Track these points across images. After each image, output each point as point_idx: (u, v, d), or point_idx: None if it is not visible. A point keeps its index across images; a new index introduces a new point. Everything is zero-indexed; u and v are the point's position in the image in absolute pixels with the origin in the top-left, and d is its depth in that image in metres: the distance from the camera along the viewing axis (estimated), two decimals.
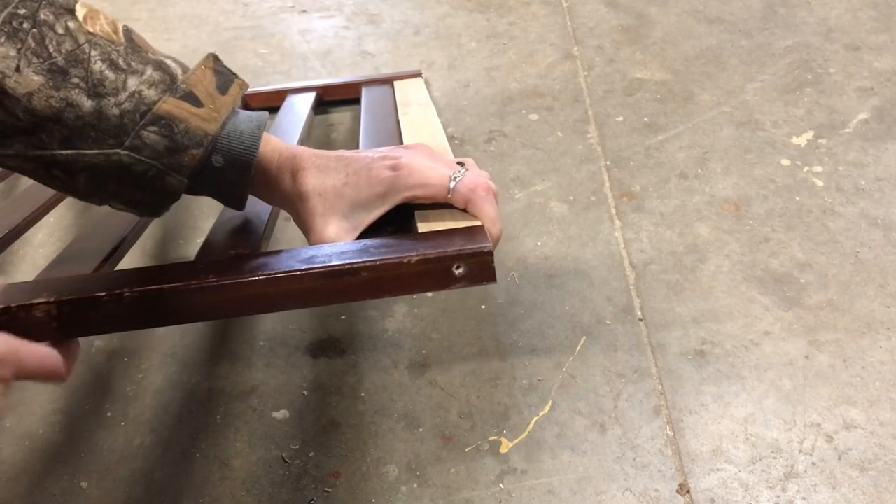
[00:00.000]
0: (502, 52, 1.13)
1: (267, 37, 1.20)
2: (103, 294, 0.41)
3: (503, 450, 0.66)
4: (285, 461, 0.66)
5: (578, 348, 0.73)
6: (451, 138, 0.97)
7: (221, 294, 0.41)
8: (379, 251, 0.42)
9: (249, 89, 1.06)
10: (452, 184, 0.45)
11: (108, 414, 0.70)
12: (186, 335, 0.77)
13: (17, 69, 0.37)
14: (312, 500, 0.63)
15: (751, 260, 0.80)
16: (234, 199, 0.48)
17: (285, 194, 0.47)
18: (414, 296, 0.79)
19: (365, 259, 0.41)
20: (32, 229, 0.90)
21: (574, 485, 0.63)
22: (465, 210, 0.46)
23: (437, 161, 0.46)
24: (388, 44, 1.17)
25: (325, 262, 0.41)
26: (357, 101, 1.00)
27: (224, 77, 0.45)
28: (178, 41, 1.20)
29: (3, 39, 0.37)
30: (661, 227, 0.85)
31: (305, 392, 0.71)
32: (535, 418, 0.68)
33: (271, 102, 1.02)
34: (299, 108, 0.94)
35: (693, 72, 1.07)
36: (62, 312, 0.41)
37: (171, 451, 0.67)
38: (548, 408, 0.68)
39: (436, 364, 0.73)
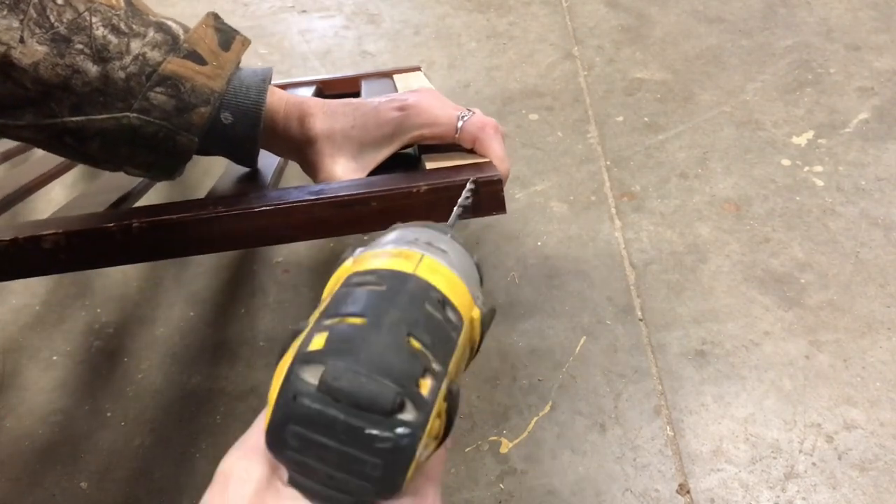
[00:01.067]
0: (502, 51, 1.13)
1: (267, 36, 1.20)
2: (112, 224, 0.41)
3: (503, 450, 0.66)
4: None
5: (578, 348, 0.73)
6: None
7: (230, 224, 0.41)
8: (388, 182, 0.42)
9: None
10: (460, 123, 0.45)
11: (108, 414, 0.70)
12: (186, 335, 0.77)
13: (21, 40, 0.37)
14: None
15: (751, 260, 0.80)
16: (245, 155, 0.48)
17: (293, 141, 0.47)
18: None
19: (374, 189, 0.41)
20: (42, 205, 0.90)
21: (574, 485, 0.63)
22: (472, 151, 0.46)
23: (445, 103, 0.47)
24: (388, 43, 1.17)
25: (335, 192, 0.41)
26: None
27: (225, 34, 0.45)
28: None
29: (5, 12, 0.37)
30: (661, 227, 0.85)
31: None
32: (536, 418, 0.68)
33: None
34: None
35: (693, 71, 1.07)
36: (71, 244, 0.41)
37: (171, 451, 0.67)
38: (548, 408, 0.68)
39: None
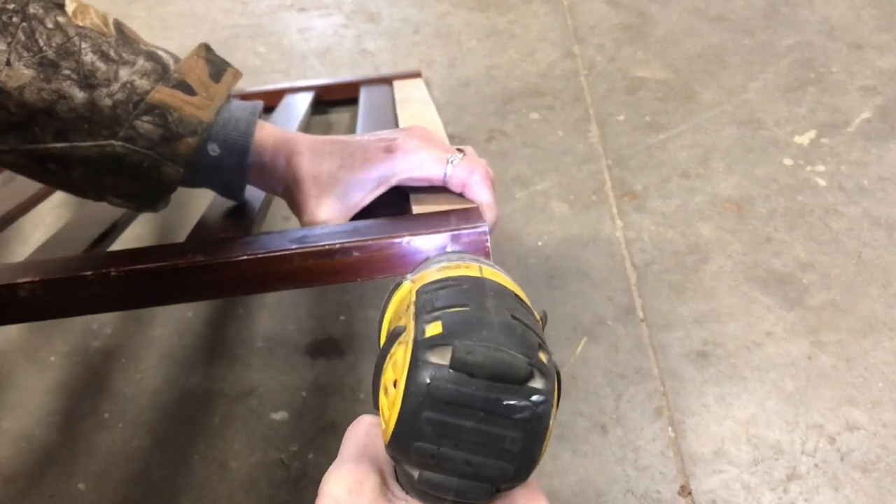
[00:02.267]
0: (503, 50, 1.13)
1: (266, 35, 1.20)
2: (89, 273, 0.40)
3: None
4: (284, 463, 0.66)
5: (579, 349, 0.73)
6: (451, 137, 0.97)
7: (209, 274, 0.40)
8: (371, 230, 0.41)
9: (247, 89, 1.05)
10: (449, 167, 0.44)
11: (106, 415, 0.70)
12: (184, 336, 0.76)
13: (8, 63, 0.37)
14: None
15: (753, 260, 0.80)
16: (231, 189, 0.47)
17: (279, 178, 0.47)
18: None
19: (357, 239, 0.40)
20: (28, 225, 0.90)
21: (575, 486, 0.62)
22: (461, 195, 0.45)
23: (435, 144, 0.46)
24: (388, 42, 1.16)
25: (315, 241, 0.40)
26: (356, 100, 0.99)
27: (216, 66, 0.45)
28: (177, 39, 1.19)
29: None
30: (662, 227, 0.84)
31: (304, 393, 0.71)
32: None
33: (269, 102, 1.02)
34: (296, 106, 0.93)
35: (695, 70, 1.06)
36: (48, 291, 0.40)
37: (169, 452, 0.67)
38: None
39: None
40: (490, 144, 0.96)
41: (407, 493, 0.27)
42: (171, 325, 0.77)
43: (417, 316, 0.27)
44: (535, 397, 0.24)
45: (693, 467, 0.63)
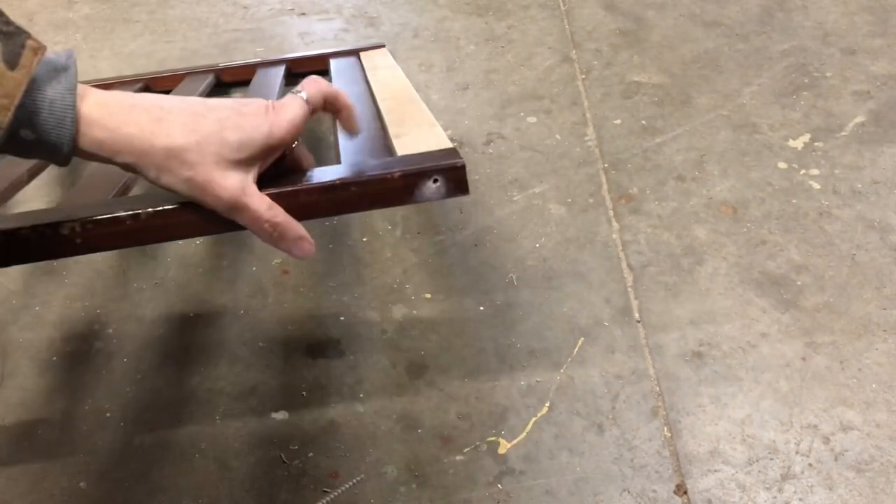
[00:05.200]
0: (500, 55, 1.14)
1: (267, 39, 1.21)
2: (122, 213, 0.44)
3: (501, 451, 0.66)
4: (284, 462, 0.66)
5: (576, 350, 0.73)
6: (449, 140, 0.98)
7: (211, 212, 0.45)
8: (366, 168, 0.47)
9: (222, 64, 1.06)
10: (302, 93, 0.46)
11: (108, 414, 0.70)
12: (186, 336, 0.77)
13: None
14: (326, 490, 0.63)
15: (748, 262, 0.81)
16: (62, 164, 0.42)
17: (140, 152, 0.40)
18: (413, 297, 0.79)
19: (353, 175, 0.46)
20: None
21: (572, 485, 0.63)
22: (328, 110, 0.49)
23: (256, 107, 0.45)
24: (387, 46, 1.17)
25: (317, 178, 0.46)
26: (326, 72, 1.01)
27: (11, 41, 0.37)
28: (178, 43, 1.20)
29: None
30: (658, 230, 0.85)
31: (304, 393, 0.72)
32: (534, 419, 0.68)
33: (243, 76, 1.04)
34: (270, 79, 0.95)
35: (690, 75, 1.07)
36: (86, 230, 0.44)
37: (170, 451, 0.67)
38: (546, 409, 0.69)
39: (434, 365, 0.73)
40: (488, 147, 0.97)
41: None
42: (173, 325, 0.78)
43: None
44: None
45: (689, 467, 0.64)
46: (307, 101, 0.46)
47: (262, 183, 0.45)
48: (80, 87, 0.39)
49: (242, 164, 0.43)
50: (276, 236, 0.45)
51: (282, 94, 0.95)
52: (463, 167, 0.46)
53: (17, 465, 0.67)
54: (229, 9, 1.29)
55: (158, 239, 0.46)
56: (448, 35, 1.19)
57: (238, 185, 0.42)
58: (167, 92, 0.98)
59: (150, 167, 0.41)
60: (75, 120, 0.39)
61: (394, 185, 0.46)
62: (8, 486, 0.65)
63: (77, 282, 0.83)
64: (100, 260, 0.85)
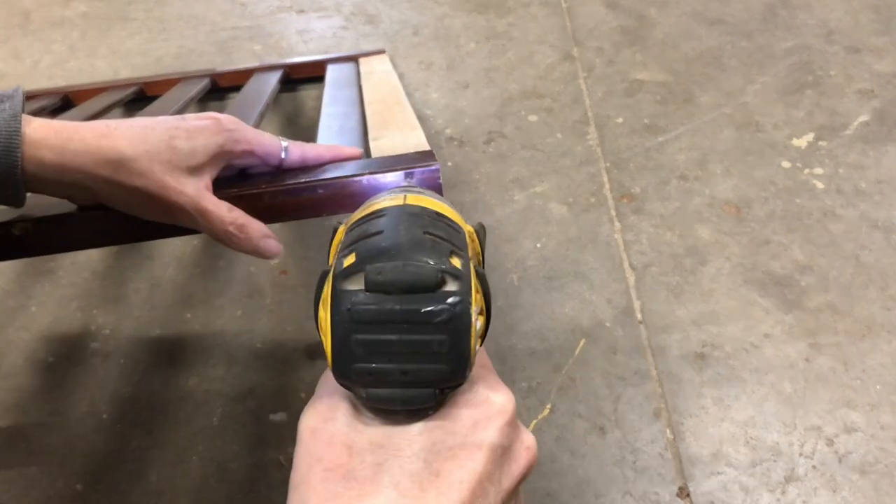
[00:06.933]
0: (501, 52, 1.13)
1: (265, 37, 1.20)
2: (76, 212, 0.44)
3: None
4: (282, 464, 0.66)
5: (578, 351, 0.73)
6: (449, 139, 0.97)
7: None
8: (334, 171, 0.46)
9: (219, 69, 1.05)
10: (286, 143, 0.48)
11: (104, 416, 0.70)
12: (183, 337, 0.76)
13: None
14: None
15: (751, 262, 0.80)
16: (10, 202, 0.42)
17: (90, 166, 0.40)
18: None
19: (321, 177, 0.45)
20: None
21: (573, 488, 0.62)
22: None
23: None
24: (387, 44, 1.16)
25: (283, 181, 0.46)
26: (323, 79, 1.00)
27: None
28: (175, 41, 1.19)
29: None
30: (661, 229, 0.85)
31: (303, 394, 0.71)
32: (535, 421, 0.67)
33: (239, 81, 1.03)
34: (262, 86, 0.95)
35: (693, 73, 1.07)
36: (39, 230, 0.44)
37: (167, 453, 0.67)
38: (547, 410, 0.68)
39: None
40: (489, 146, 0.96)
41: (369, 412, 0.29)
42: (170, 326, 0.77)
43: (338, 252, 0.29)
44: (450, 300, 0.26)
45: (691, 469, 0.63)
46: (284, 149, 0.48)
47: (224, 183, 0.45)
48: (25, 116, 0.40)
49: (196, 170, 0.43)
50: (242, 238, 0.44)
51: (273, 96, 0.94)
52: (437, 169, 0.45)
53: (12, 468, 0.66)
54: (227, 6, 1.28)
55: (113, 241, 0.45)
56: (448, 33, 1.18)
57: (195, 191, 0.43)
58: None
59: (101, 183, 0.41)
60: (20, 144, 0.38)
61: (362, 188, 0.45)
62: (3, 489, 0.65)
63: (73, 282, 0.83)
64: (96, 260, 0.85)
